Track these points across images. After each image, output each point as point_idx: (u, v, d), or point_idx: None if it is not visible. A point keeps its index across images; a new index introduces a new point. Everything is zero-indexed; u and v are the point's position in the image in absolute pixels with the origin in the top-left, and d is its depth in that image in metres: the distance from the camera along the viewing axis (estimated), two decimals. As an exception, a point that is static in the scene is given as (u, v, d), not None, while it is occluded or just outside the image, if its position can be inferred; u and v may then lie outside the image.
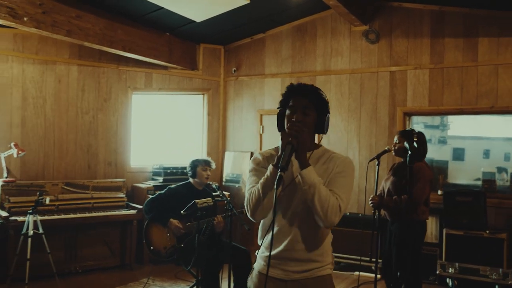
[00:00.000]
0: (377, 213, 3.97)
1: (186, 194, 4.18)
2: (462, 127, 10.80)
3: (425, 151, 3.97)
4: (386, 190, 4.09)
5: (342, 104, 6.18)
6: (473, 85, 5.41)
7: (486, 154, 11.12)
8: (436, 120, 8.10)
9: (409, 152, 3.65)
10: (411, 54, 5.77)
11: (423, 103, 5.69)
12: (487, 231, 4.88)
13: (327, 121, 2.03)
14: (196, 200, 3.75)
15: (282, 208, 1.97)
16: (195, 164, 4.37)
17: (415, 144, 3.83)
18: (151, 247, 4.10)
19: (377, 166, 4.03)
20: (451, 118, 7.47)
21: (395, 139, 4.08)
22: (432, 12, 5.66)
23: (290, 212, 1.98)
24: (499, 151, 7.59)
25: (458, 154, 12.08)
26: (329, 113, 2.05)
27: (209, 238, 3.93)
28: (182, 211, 3.76)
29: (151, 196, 4.38)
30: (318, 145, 2.11)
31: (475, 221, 5.00)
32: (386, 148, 4.19)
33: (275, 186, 1.73)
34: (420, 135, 3.96)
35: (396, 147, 4.02)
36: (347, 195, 1.94)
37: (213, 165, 4.46)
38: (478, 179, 6.84)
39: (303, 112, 1.98)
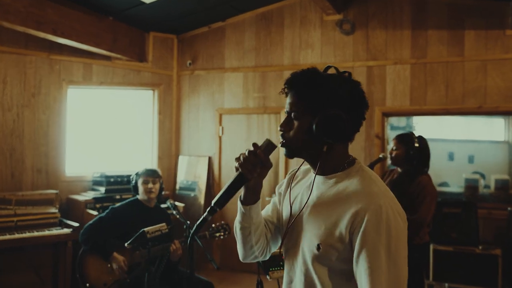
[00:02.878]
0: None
1: (134, 214, 3.33)
2: (427, 128, 10.43)
3: (428, 160, 3.32)
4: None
5: (312, 102, 5.48)
6: (459, 83, 4.87)
7: (451, 156, 10.84)
8: (402, 121, 7.60)
9: (414, 163, 2.99)
10: (390, 47, 5.16)
11: (404, 102, 5.10)
12: (480, 247, 4.34)
13: (332, 121, 1.32)
14: (145, 229, 2.87)
15: (290, 250, 1.47)
16: (135, 177, 3.52)
17: (416, 150, 3.18)
18: (87, 284, 3.19)
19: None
20: (416, 119, 7.01)
21: (392, 145, 3.40)
22: (413, 0, 5.08)
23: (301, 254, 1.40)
24: (464, 154, 7.21)
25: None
26: (337, 109, 1.33)
27: (163, 270, 3.09)
28: (126, 244, 2.87)
29: (89, 222, 3.46)
30: (350, 161, 1.40)
31: (466, 235, 4.45)
32: (380, 156, 3.53)
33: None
34: (422, 140, 3.31)
35: (393, 155, 3.33)
36: None
37: (158, 175, 3.59)
38: (442, 184, 6.38)
39: (290, 115, 1.40)
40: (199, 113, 6.12)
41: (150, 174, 3.51)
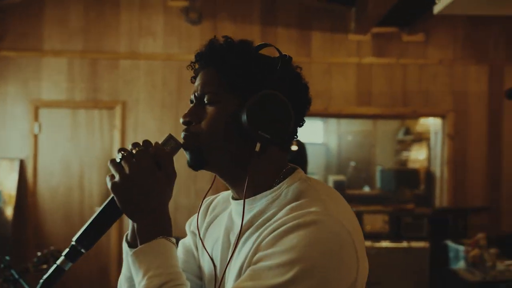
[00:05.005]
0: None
1: None
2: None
3: (306, 165, 3.01)
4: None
5: (154, 98, 4.81)
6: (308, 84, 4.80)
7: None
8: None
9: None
10: (239, 42, 4.83)
11: (254, 102, 4.82)
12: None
13: (274, 104, 0.84)
14: None
15: None
16: None
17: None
18: None
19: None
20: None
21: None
22: (263, -5, 4.86)
23: None
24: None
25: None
26: (279, 87, 0.86)
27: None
28: None
29: None
30: (287, 170, 0.91)
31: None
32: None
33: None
34: (300, 144, 2.99)
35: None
36: None
37: None
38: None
39: (200, 100, 0.91)
40: (7, 105, 4.85)
41: None
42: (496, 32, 4.80)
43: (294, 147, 2.86)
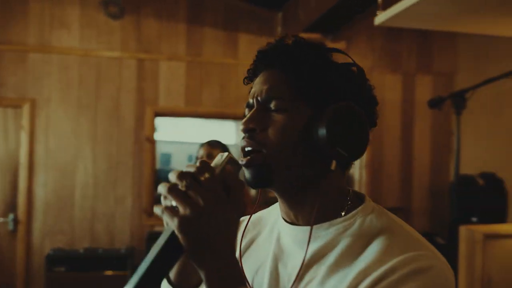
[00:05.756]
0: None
1: None
2: (168, 130, 10.23)
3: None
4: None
5: (68, 96, 4.39)
6: (234, 86, 4.72)
7: (190, 159, 11.01)
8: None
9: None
10: (164, 40, 4.59)
11: (179, 103, 4.61)
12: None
13: (352, 118, 0.74)
14: None
15: None
16: None
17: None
18: None
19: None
20: (157, 120, 6.69)
21: (201, 152, 2.85)
22: (189, -8, 4.67)
23: None
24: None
25: (166, 160, 11.60)
26: (355, 99, 0.76)
27: None
28: None
29: None
30: (354, 195, 0.81)
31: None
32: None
33: None
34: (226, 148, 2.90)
35: (209, 164, 2.80)
36: None
37: None
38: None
39: (265, 104, 0.78)
40: None
41: None
42: (409, 44, 5.13)
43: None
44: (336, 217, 0.77)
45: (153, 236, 4.10)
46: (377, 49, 5.09)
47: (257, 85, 0.80)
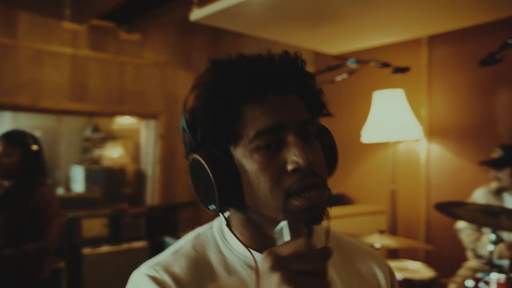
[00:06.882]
0: None
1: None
2: None
3: (45, 166, 2.50)
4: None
5: None
6: (12, 72, 4.05)
7: None
8: None
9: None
10: None
11: None
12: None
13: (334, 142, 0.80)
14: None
15: None
16: None
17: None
18: None
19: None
20: None
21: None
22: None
23: None
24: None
25: None
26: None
27: None
28: None
29: None
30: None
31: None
32: None
33: None
34: (37, 140, 2.49)
35: (3, 163, 2.30)
36: None
37: None
38: None
39: (307, 137, 0.72)
40: None
41: None
42: (200, 41, 5.29)
43: (35, 147, 2.44)
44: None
45: None
46: (171, 45, 5.10)
47: (283, 108, 0.70)
